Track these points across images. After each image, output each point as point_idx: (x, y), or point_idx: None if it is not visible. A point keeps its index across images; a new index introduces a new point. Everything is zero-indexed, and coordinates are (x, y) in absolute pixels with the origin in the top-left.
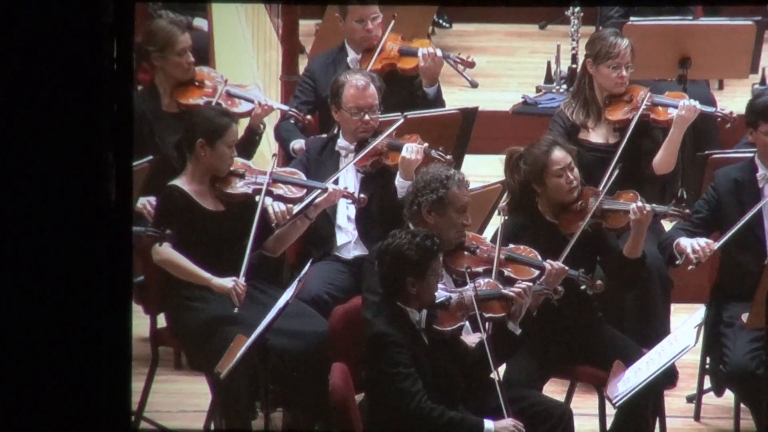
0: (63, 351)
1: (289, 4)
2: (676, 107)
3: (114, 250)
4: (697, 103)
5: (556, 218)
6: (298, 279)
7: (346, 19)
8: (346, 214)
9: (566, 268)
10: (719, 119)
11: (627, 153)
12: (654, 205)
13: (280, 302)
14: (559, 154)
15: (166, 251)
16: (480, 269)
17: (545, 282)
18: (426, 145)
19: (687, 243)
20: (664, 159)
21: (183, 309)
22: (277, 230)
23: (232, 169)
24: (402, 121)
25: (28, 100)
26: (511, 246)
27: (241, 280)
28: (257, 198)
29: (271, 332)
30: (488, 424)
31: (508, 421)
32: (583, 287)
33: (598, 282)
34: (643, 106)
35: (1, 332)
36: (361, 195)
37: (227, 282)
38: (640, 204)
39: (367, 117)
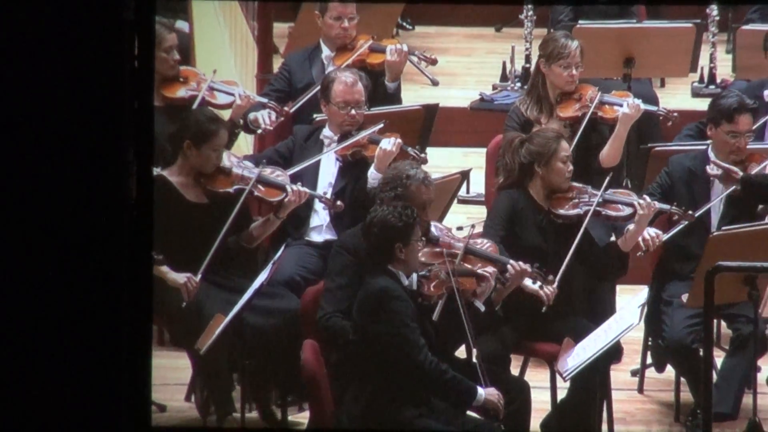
0: (83, 348)
1: (267, 1)
2: (621, 106)
3: (134, 246)
4: (640, 102)
5: (545, 202)
6: (272, 262)
7: (325, 15)
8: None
9: (528, 268)
10: (661, 118)
11: (577, 148)
12: (659, 204)
13: (256, 283)
14: (565, 144)
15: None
16: (437, 261)
17: (511, 281)
18: (401, 142)
19: None
20: (610, 153)
21: (165, 289)
22: (251, 225)
23: (219, 165)
24: (382, 125)
25: (48, 98)
26: (475, 240)
27: (198, 277)
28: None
29: (247, 311)
30: (480, 390)
31: (493, 390)
32: (538, 284)
33: (550, 277)
34: (593, 107)
35: (26, 325)
36: (338, 202)
37: (180, 278)
38: (646, 202)
39: (353, 112)
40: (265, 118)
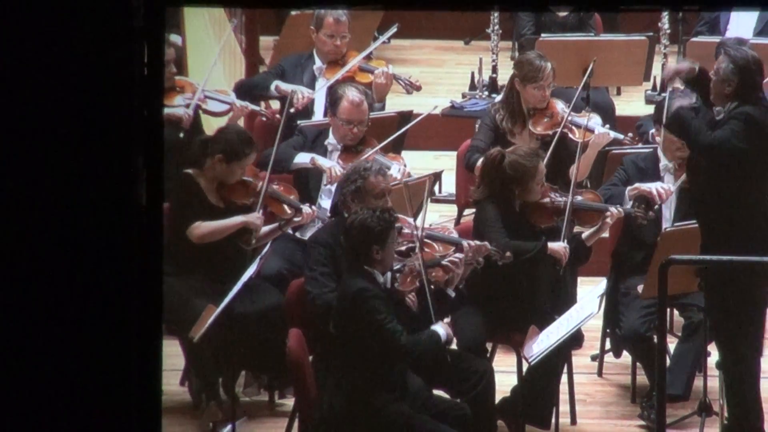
0: (94, 359)
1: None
2: (592, 131)
3: (144, 253)
4: (609, 131)
5: (522, 210)
6: (260, 257)
7: (319, 32)
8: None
9: (487, 245)
10: (627, 144)
11: (547, 163)
12: (627, 207)
13: (245, 276)
14: (541, 165)
15: (203, 226)
16: (403, 247)
17: (467, 257)
18: (409, 171)
19: (651, 186)
20: (581, 170)
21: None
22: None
23: (243, 178)
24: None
25: (58, 105)
26: (433, 225)
27: (259, 212)
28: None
29: (236, 302)
30: (438, 329)
31: (441, 324)
32: (495, 259)
33: (507, 254)
34: (561, 127)
35: (38, 329)
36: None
37: (256, 219)
38: (618, 210)
39: (355, 129)
40: (299, 96)
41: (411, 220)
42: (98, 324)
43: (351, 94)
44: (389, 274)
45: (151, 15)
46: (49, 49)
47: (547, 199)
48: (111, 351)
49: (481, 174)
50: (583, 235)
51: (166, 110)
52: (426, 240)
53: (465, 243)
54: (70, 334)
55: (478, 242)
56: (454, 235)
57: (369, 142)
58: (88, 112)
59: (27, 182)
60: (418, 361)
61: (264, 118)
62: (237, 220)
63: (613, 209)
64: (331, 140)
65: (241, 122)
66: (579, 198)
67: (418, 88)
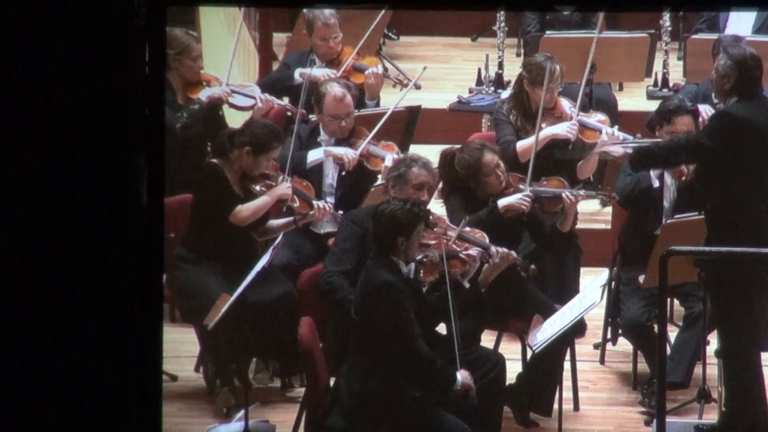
0: (96, 352)
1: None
2: (600, 131)
3: (145, 252)
4: (619, 132)
5: (488, 202)
6: (272, 247)
7: (312, 36)
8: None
9: (513, 254)
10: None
11: (557, 162)
12: (584, 191)
13: (258, 266)
14: (488, 156)
15: (243, 209)
16: (433, 242)
17: (498, 265)
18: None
19: None
20: (587, 168)
21: (174, 268)
22: (269, 221)
23: (266, 171)
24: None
25: (59, 104)
26: (467, 228)
27: (288, 182)
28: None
29: (248, 291)
30: (458, 378)
31: (465, 373)
32: (520, 269)
33: (532, 266)
34: (575, 130)
35: (39, 329)
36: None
37: (286, 188)
38: (572, 193)
39: (343, 123)
40: (324, 77)
41: (447, 220)
42: (101, 317)
43: (333, 89)
44: (413, 264)
45: (152, 14)
46: (52, 48)
47: (510, 190)
48: (113, 343)
49: (439, 174)
50: (557, 223)
51: (206, 92)
52: (458, 240)
53: (493, 249)
54: (74, 327)
55: (506, 250)
56: (486, 240)
57: (360, 132)
58: (90, 110)
59: (29, 179)
60: (420, 372)
61: (289, 113)
62: (268, 197)
63: (567, 193)
64: (323, 136)
65: None
66: (538, 186)
67: (405, 86)
